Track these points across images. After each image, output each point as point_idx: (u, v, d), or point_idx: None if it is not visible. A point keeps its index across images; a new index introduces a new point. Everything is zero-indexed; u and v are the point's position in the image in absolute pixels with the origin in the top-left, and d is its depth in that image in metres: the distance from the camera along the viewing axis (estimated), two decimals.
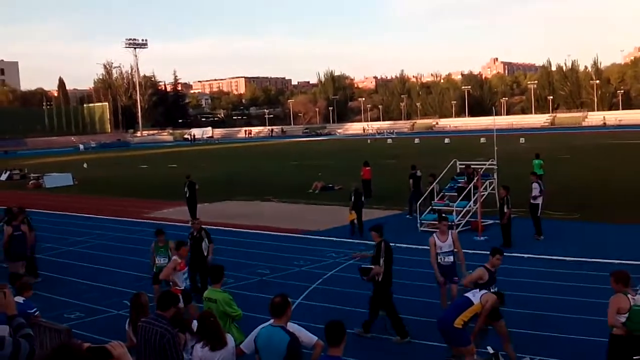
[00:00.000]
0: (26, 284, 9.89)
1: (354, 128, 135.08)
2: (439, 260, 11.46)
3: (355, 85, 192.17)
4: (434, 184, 22.14)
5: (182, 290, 10.76)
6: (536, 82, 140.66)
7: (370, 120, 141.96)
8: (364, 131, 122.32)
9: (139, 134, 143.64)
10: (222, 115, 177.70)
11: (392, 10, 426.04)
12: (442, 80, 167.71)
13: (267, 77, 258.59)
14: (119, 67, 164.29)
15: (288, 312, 6.87)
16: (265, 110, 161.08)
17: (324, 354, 6.30)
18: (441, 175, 23.09)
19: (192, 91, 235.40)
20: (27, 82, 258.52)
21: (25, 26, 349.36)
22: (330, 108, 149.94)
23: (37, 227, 20.79)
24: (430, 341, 10.16)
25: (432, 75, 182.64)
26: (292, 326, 7.06)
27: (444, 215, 15.85)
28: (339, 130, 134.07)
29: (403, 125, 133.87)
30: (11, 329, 4.28)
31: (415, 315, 11.63)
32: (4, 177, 48.82)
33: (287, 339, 6.45)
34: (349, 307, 12.16)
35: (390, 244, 11.28)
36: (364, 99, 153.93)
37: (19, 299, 9.51)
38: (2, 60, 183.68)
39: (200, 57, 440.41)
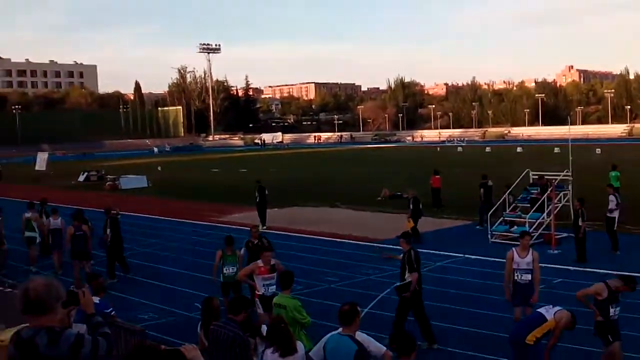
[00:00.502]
0: (102, 284, 10.21)
1: (424, 135, 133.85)
2: (515, 278, 10.84)
3: (426, 92, 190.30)
4: (507, 194, 21.77)
5: (260, 295, 10.78)
6: (613, 90, 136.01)
7: (440, 128, 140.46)
8: (421, 139, 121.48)
9: (210, 138, 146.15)
10: (292, 121, 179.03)
11: (463, 17, 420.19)
12: (514, 88, 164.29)
13: (336, 83, 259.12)
14: (193, 71, 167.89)
15: (357, 320, 6.88)
16: (335, 116, 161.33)
17: None
18: (513, 185, 22.69)
19: (262, 96, 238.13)
20: (105, 85, 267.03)
21: (104, 32, 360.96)
22: (400, 115, 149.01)
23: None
24: (499, 357, 9.99)
25: (504, 82, 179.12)
26: (360, 335, 7.07)
27: (526, 230, 14.89)
28: (408, 138, 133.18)
29: (474, 133, 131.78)
30: (89, 327, 4.41)
31: (484, 329, 11.46)
32: (82, 178, 50.43)
33: (354, 348, 6.45)
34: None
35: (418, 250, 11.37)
36: (434, 106, 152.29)
37: (95, 299, 9.86)
38: (82, 64, 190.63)
39: (271, 62, 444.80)
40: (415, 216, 20.57)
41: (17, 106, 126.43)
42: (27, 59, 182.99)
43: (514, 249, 11.23)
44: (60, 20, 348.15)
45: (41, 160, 64.01)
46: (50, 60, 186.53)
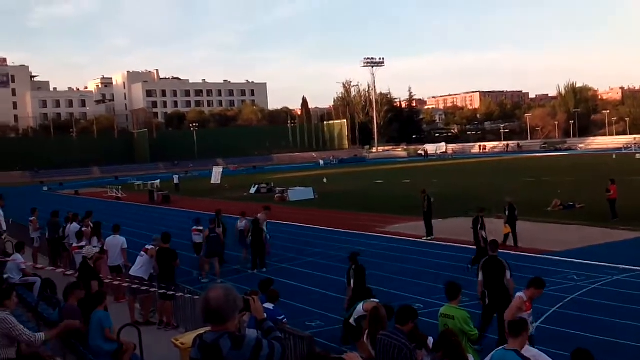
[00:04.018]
0: (275, 292, 10.64)
1: (598, 142, 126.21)
2: None
3: (599, 97, 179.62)
4: None
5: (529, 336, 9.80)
6: None
7: (616, 135, 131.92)
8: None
9: (374, 149, 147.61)
10: (456, 131, 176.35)
11: (635, 15, 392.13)
12: None
13: (502, 91, 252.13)
14: (357, 85, 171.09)
15: (524, 335, 6.68)
16: (501, 125, 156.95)
17: None
18: None
19: (426, 107, 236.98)
20: (274, 102, 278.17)
21: (273, 50, 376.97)
22: (571, 122, 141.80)
23: (278, 237, 22.38)
24: None
25: None
26: (530, 350, 6.86)
27: None
28: (580, 145, 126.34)
29: None
30: (261, 332, 4.57)
31: None
32: (253, 190, 52.89)
33: None
34: (591, 334, 11.43)
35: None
36: (608, 111, 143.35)
37: (269, 306, 10.30)
38: (253, 82, 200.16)
39: (434, 73, 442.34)
40: (511, 221, 21.29)
41: (194, 124, 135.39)
42: (203, 80, 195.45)
43: None
44: (234, 41, 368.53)
45: (216, 174, 67.97)
46: (224, 80, 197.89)
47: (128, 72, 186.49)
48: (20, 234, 24.03)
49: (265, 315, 4.84)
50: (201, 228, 20.52)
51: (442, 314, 8.77)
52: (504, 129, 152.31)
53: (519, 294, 9.18)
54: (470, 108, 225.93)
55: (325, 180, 61.88)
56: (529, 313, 9.22)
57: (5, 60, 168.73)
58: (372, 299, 10.31)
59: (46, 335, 7.85)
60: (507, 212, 21.47)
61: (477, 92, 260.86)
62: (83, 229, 19.62)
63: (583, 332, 11.60)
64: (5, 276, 14.07)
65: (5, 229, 21.43)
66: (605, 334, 11.59)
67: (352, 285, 12.61)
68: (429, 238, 23.81)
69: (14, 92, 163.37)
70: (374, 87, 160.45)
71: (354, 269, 12.85)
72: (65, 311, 10.42)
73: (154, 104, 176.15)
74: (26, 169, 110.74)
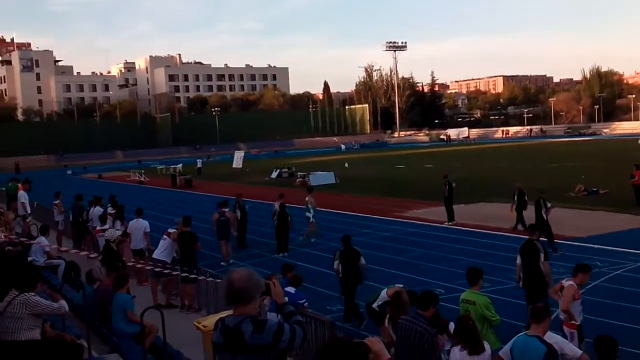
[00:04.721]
0: (298, 276, 10.69)
1: (622, 127, 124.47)
2: None
3: (625, 81, 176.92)
4: None
5: (578, 325, 9.17)
6: None
7: None
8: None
9: (396, 134, 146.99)
10: (479, 115, 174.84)
11: None
12: None
13: (526, 75, 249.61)
14: (379, 69, 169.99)
15: (547, 321, 6.65)
16: (524, 110, 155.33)
17: None
18: None
19: (448, 91, 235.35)
20: (296, 86, 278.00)
21: (295, 35, 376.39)
22: (596, 106, 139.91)
23: (299, 222, 22.49)
24: None
25: None
26: (553, 337, 6.82)
27: None
28: (605, 130, 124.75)
29: None
30: (282, 316, 4.57)
31: None
32: (274, 175, 52.95)
33: (543, 350, 6.23)
34: (615, 321, 11.34)
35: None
36: (634, 96, 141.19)
37: (291, 289, 10.35)
38: (275, 67, 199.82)
39: (457, 57, 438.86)
40: (519, 207, 21.40)
41: (216, 108, 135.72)
42: (225, 64, 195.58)
43: None
44: (256, 25, 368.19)
45: (238, 158, 68.19)
46: (246, 64, 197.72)
47: (150, 56, 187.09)
48: (45, 217, 24.32)
49: (287, 299, 4.86)
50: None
51: (463, 300, 8.77)
52: (527, 114, 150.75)
53: (569, 282, 9.12)
54: (494, 92, 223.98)
55: (346, 164, 61.80)
56: (580, 301, 9.19)
57: (29, 44, 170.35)
58: (396, 284, 10.33)
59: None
60: (515, 197, 21.52)
61: (500, 76, 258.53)
62: (109, 210, 19.90)
63: (606, 319, 11.51)
64: (30, 258, 14.27)
65: (30, 212, 21.71)
66: (629, 321, 11.51)
67: (335, 267, 12.92)
68: (451, 223, 23.73)
69: (38, 77, 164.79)
70: (396, 71, 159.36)
71: (341, 251, 13.08)
72: (99, 292, 10.61)
73: (176, 89, 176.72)
74: (50, 152, 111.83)
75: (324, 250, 19.87)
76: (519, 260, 11.58)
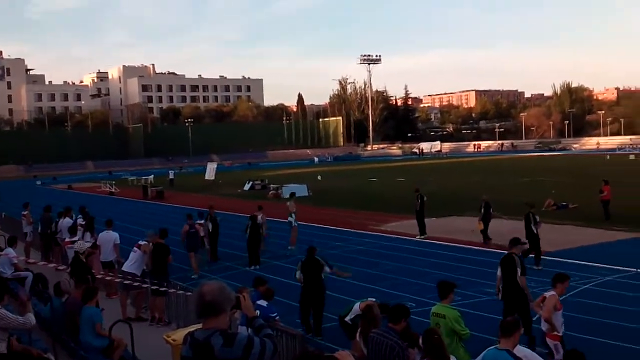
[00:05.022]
0: (270, 290, 10.62)
1: (591, 143, 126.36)
2: None
3: (595, 97, 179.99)
4: None
5: (561, 336, 9.34)
6: None
7: (611, 135, 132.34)
8: (598, 146, 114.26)
9: (369, 147, 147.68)
10: (451, 129, 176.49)
11: (632, 15, 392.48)
12: None
13: (498, 90, 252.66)
14: (354, 82, 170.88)
15: (516, 335, 6.69)
16: (496, 124, 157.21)
17: None
18: None
19: (421, 105, 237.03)
20: (270, 98, 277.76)
21: (270, 46, 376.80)
22: (566, 122, 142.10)
23: (271, 235, 22.56)
24: None
25: None
26: (522, 350, 6.87)
27: None
28: (574, 145, 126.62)
29: None
30: (252, 329, 4.55)
31: None
32: (247, 187, 52.75)
33: None
34: (584, 335, 11.45)
35: None
36: (603, 111, 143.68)
37: (263, 303, 10.29)
38: (249, 78, 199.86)
39: (430, 71, 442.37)
40: (485, 219, 21.85)
41: (189, 119, 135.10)
42: (199, 75, 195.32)
43: None
44: (231, 36, 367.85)
45: (210, 170, 67.85)
46: (221, 76, 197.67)
47: (124, 66, 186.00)
48: (13, 228, 23.96)
49: (258, 312, 4.84)
50: (202, 222, 21.18)
51: (433, 313, 8.79)
52: (499, 128, 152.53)
53: (550, 293, 9.26)
54: (466, 107, 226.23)
55: (319, 177, 61.84)
56: (561, 312, 9.31)
57: (0, 52, 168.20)
58: (369, 298, 10.33)
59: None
60: (482, 210, 21.96)
61: (473, 90, 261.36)
62: (79, 221, 19.66)
63: (576, 333, 11.60)
64: None
65: None
66: (599, 335, 11.64)
67: (297, 277, 13.19)
68: (422, 237, 23.84)
69: (9, 85, 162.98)
70: (370, 84, 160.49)
71: (302, 261, 13.29)
72: (68, 304, 10.43)
73: (150, 99, 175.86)
74: (20, 163, 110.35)
75: (296, 262, 19.78)
76: (499, 273, 11.67)
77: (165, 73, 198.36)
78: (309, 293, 12.85)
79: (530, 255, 17.32)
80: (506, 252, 12.04)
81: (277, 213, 27.64)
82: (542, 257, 18.04)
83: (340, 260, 20.20)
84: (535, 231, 18.22)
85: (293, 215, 23.47)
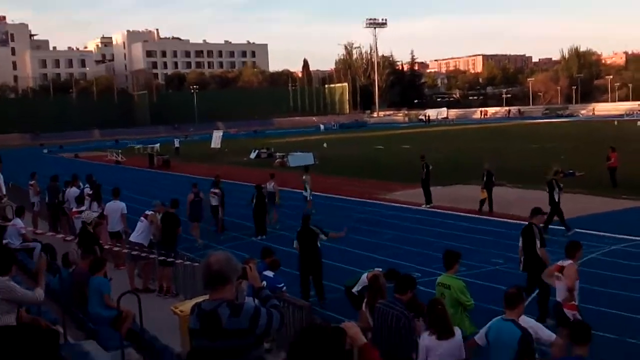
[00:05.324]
0: (276, 260, 10.66)
1: (599, 109, 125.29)
2: None
3: (603, 62, 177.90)
4: None
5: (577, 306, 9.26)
6: None
7: (619, 100, 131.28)
8: (593, 113, 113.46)
9: (375, 114, 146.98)
10: (458, 96, 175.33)
11: None
12: None
13: (505, 55, 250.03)
14: (359, 47, 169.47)
15: (521, 306, 6.71)
16: (503, 90, 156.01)
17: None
18: None
19: (428, 70, 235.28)
20: (275, 64, 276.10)
21: (274, 11, 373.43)
22: (574, 87, 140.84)
23: (284, 205, 22.61)
24: None
25: None
26: (528, 321, 6.89)
27: None
28: (582, 111, 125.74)
29: None
30: (259, 300, 4.57)
31: None
32: (253, 155, 52.73)
33: (518, 334, 6.31)
34: (589, 305, 11.47)
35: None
36: (611, 76, 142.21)
37: (269, 273, 10.35)
38: (254, 44, 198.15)
39: (437, 35, 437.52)
40: (487, 187, 21.83)
41: (194, 85, 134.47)
42: (204, 40, 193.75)
43: None
44: (234, 1, 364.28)
45: (216, 138, 67.84)
46: (225, 41, 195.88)
47: (128, 31, 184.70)
48: (20, 198, 24.03)
49: (265, 283, 4.87)
50: (217, 190, 21.02)
51: (438, 283, 8.81)
52: (506, 94, 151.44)
53: (568, 261, 9.18)
54: (473, 72, 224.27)
55: (325, 145, 61.72)
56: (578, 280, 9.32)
57: (4, 18, 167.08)
58: (375, 268, 10.36)
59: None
60: (484, 178, 21.95)
61: (480, 55, 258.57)
62: (86, 191, 19.70)
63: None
64: (5, 241, 14.09)
65: (4, 192, 21.40)
66: (604, 305, 11.68)
67: (295, 246, 13.43)
68: (428, 206, 23.84)
69: (13, 51, 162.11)
70: (376, 49, 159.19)
71: (298, 231, 13.50)
72: (75, 275, 10.50)
73: (154, 65, 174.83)
74: (26, 131, 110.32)
75: None
76: (520, 244, 11.70)
77: (169, 38, 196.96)
78: (306, 262, 13.05)
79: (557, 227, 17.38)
80: (526, 222, 12.01)
81: (282, 182, 27.63)
82: (549, 225, 18.00)
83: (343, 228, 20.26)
84: (557, 199, 18.27)
85: (308, 188, 23.62)
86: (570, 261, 9.17)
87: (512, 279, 11.66)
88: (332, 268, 14.82)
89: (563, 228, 17.91)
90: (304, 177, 24.00)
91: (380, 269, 10.35)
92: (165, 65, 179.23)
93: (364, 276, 10.20)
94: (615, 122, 79.69)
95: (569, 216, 20.08)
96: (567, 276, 9.08)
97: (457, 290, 8.46)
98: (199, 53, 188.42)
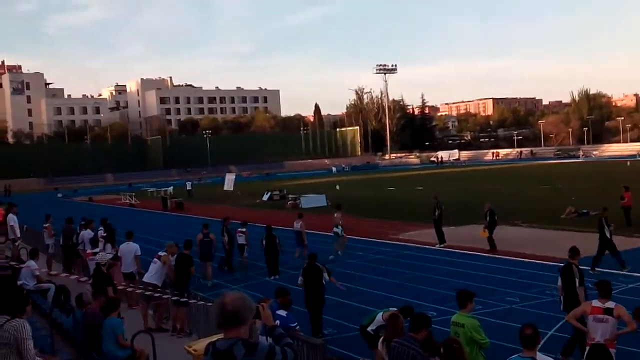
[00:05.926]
0: (288, 299, 10.63)
1: (611, 149, 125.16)
2: None
3: (613, 104, 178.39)
4: None
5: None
6: None
7: (630, 142, 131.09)
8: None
9: (387, 156, 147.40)
10: (469, 138, 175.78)
11: None
12: None
13: (515, 98, 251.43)
14: (370, 92, 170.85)
15: (537, 345, 6.65)
16: (514, 132, 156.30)
17: None
18: None
19: (439, 114, 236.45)
20: (287, 108, 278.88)
21: (286, 57, 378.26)
22: (585, 128, 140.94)
23: (291, 244, 22.53)
24: None
25: None
26: (542, 358, 6.82)
27: None
28: (594, 152, 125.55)
29: None
30: (272, 338, 4.52)
31: None
32: (265, 197, 52.86)
33: None
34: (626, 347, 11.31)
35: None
36: (622, 118, 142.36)
37: (282, 313, 10.31)
38: (266, 89, 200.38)
39: (447, 79, 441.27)
40: (490, 227, 22.17)
41: (207, 131, 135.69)
42: (216, 87, 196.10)
43: None
44: (247, 48, 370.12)
45: (229, 181, 68.07)
46: (237, 87, 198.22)
47: (142, 79, 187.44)
48: (35, 240, 24.19)
49: (278, 322, 4.85)
50: (244, 230, 21.44)
51: (453, 322, 8.74)
52: (517, 136, 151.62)
53: (613, 304, 9.20)
54: (483, 115, 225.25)
55: (338, 187, 61.79)
56: None
57: (20, 67, 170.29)
58: (391, 308, 10.32)
59: None
60: (487, 218, 22.36)
61: (490, 98, 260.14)
62: (100, 233, 19.79)
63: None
64: (19, 282, 14.17)
65: (19, 235, 21.57)
66: (621, 343, 11.48)
67: (299, 282, 13.78)
68: (442, 245, 23.75)
69: (28, 99, 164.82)
70: (387, 93, 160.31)
71: (304, 268, 13.88)
72: (87, 315, 10.51)
73: (167, 111, 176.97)
74: (41, 176, 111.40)
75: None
76: (559, 283, 11.84)
77: (182, 85, 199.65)
78: (310, 297, 13.36)
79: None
80: (565, 262, 12.11)
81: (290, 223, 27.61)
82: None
83: (360, 269, 20.25)
84: (609, 236, 18.42)
85: (339, 226, 23.57)
86: (613, 302, 9.20)
87: (528, 317, 11.56)
88: (347, 307, 14.76)
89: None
90: (335, 215, 24.16)
91: (395, 309, 10.30)
92: (178, 111, 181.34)
93: (379, 316, 10.15)
94: (628, 163, 79.37)
95: (585, 255, 19.94)
96: (626, 317, 9.09)
97: (471, 329, 8.40)
98: (211, 99, 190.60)
